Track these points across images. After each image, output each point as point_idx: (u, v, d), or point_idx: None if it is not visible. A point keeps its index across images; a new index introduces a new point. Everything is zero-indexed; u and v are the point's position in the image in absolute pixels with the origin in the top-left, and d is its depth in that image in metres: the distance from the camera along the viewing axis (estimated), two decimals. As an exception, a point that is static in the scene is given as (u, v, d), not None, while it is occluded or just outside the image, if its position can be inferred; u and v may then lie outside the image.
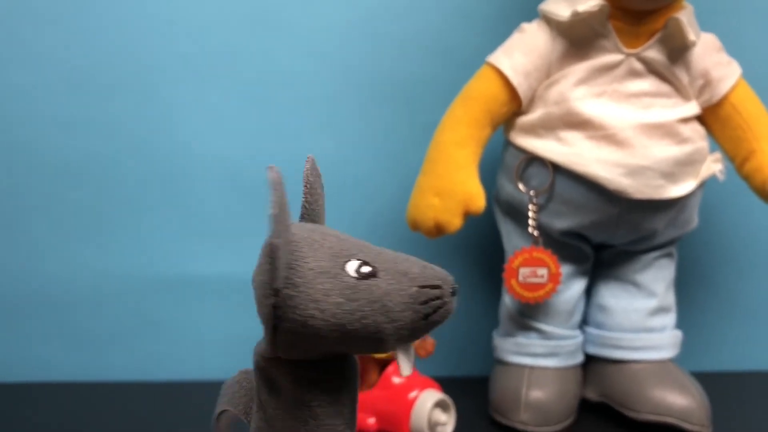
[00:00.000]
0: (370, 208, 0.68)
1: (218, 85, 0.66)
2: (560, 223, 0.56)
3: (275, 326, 0.31)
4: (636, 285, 0.60)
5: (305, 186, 0.35)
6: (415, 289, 0.31)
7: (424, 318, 0.31)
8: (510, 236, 0.60)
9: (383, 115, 0.68)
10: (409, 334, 0.31)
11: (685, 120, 0.55)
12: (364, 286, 0.30)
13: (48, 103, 0.66)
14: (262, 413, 0.34)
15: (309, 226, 0.33)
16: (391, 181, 0.67)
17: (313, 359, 0.32)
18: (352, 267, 0.31)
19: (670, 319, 0.61)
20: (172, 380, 0.68)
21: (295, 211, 0.34)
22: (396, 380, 0.52)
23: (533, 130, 0.55)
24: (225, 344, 0.68)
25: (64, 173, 0.66)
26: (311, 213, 0.35)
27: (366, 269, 0.31)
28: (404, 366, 0.32)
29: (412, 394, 0.52)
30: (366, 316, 0.30)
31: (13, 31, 0.65)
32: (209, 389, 0.65)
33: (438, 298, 0.31)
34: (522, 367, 0.58)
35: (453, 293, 0.32)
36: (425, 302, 0.31)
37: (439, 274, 0.32)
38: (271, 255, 0.29)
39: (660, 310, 0.60)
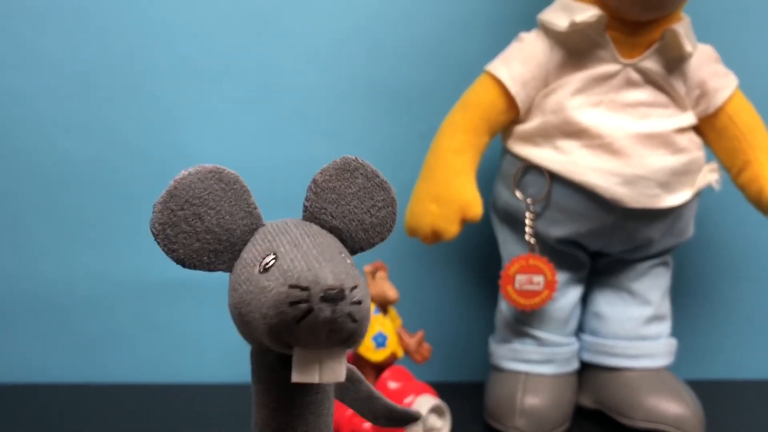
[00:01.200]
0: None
1: (217, 90, 0.67)
2: (556, 231, 0.57)
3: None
4: (631, 293, 0.60)
5: (309, 185, 0.34)
6: (284, 288, 0.29)
7: (296, 322, 0.28)
8: (507, 243, 0.60)
9: (382, 121, 0.68)
10: (287, 337, 0.29)
11: (682, 130, 0.55)
12: (255, 280, 0.30)
13: (47, 106, 0.66)
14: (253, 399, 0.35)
15: (282, 222, 0.33)
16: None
17: (261, 349, 0.33)
18: (265, 260, 0.31)
19: (665, 327, 0.61)
20: (170, 382, 0.68)
21: (296, 212, 0.34)
22: (391, 385, 0.53)
23: (531, 138, 0.56)
24: (223, 346, 0.68)
25: (64, 176, 0.67)
26: (315, 213, 0.34)
27: (270, 263, 0.30)
28: (293, 371, 0.30)
29: (408, 399, 0.52)
30: (252, 311, 0.30)
31: (14, 35, 0.65)
32: (207, 391, 0.66)
33: (304, 301, 0.28)
34: (517, 373, 0.59)
35: (325, 299, 0.28)
36: (293, 304, 0.28)
37: (314, 275, 0.29)
38: (154, 239, 0.32)
39: (655, 318, 0.60)
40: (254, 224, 0.33)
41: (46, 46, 0.65)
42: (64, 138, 0.66)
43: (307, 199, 0.34)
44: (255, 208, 0.33)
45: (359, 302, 0.29)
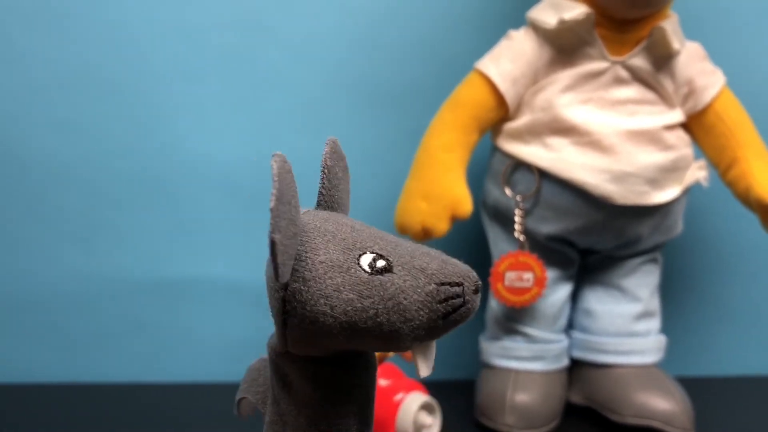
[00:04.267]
0: (358, 211, 0.68)
1: (207, 88, 0.67)
2: (546, 227, 0.57)
3: (285, 321, 0.29)
4: (621, 290, 0.60)
5: (323, 171, 0.33)
6: (433, 286, 0.28)
7: (443, 317, 0.29)
8: (497, 240, 0.60)
9: (372, 118, 0.68)
10: (426, 333, 0.29)
11: (670, 127, 0.56)
12: (377, 282, 0.28)
13: (37, 104, 0.66)
14: (276, 407, 0.32)
15: (323, 214, 0.31)
16: (380, 184, 0.67)
17: (327, 356, 0.31)
18: (365, 261, 0.29)
19: (655, 323, 0.61)
20: (160, 382, 0.68)
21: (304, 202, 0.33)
22: (382, 383, 0.53)
23: (520, 135, 0.56)
24: (214, 345, 0.68)
25: (54, 175, 0.66)
26: (330, 199, 0.33)
27: (381, 264, 0.29)
28: (422, 367, 0.30)
29: (398, 397, 0.52)
30: (379, 314, 0.28)
31: (3, 33, 0.65)
32: (198, 391, 0.65)
33: (458, 296, 0.29)
34: (507, 370, 0.59)
35: (476, 291, 0.29)
36: (444, 301, 0.28)
37: (460, 270, 0.29)
38: (271, 250, 0.26)
39: (645, 314, 0.60)
40: None
41: (35, 45, 0.65)
42: (52, 136, 0.66)
43: (323, 187, 0.33)
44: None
45: None
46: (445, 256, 0.30)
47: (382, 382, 0.53)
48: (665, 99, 0.56)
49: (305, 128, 0.67)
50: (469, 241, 0.68)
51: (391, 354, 0.55)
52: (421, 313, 0.28)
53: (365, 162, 0.68)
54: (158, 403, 0.63)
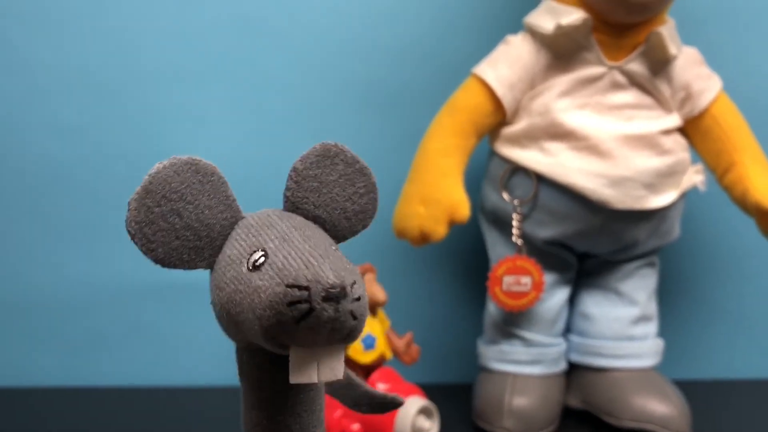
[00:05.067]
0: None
1: (206, 92, 0.67)
2: (544, 232, 0.57)
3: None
4: (618, 294, 0.60)
5: (290, 174, 0.33)
6: (281, 288, 0.27)
7: (296, 322, 0.27)
8: (495, 245, 0.60)
9: (371, 122, 0.68)
10: (283, 337, 0.28)
11: (667, 132, 0.56)
12: (246, 278, 0.29)
13: (37, 109, 0.66)
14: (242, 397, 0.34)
15: (265, 213, 0.32)
16: (378, 187, 0.68)
17: (246, 346, 0.32)
18: (253, 258, 0.29)
19: (652, 327, 0.61)
20: (160, 385, 0.68)
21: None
22: (380, 387, 0.53)
23: (517, 140, 0.56)
24: (210, 349, 0.68)
25: (54, 179, 0.67)
26: (296, 203, 0.33)
27: (259, 261, 0.29)
28: (291, 372, 0.28)
29: (396, 401, 0.52)
30: (244, 310, 0.29)
31: (3, 37, 0.65)
32: (198, 394, 0.66)
33: (305, 301, 0.27)
34: (505, 374, 0.59)
35: (327, 298, 0.27)
36: (292, 304, 0.27)
37: (314, 274, 0.27)
38: (131, 239, 0.30)
39: (642, 318, 0.61)
40: (234, 217, 0.32)
41: (33, 50, 0.65)
42: (51, 141, 0.66)
43: (287, 189, 0.33)
44: (234, 200, 0.32)
45: (359, 298, 0.28)
46: (323, 259, 0.28)
47: (380, 386, 0.53)
48: (662, 104, 0.56)
49: (304, 132, 0.68)
50: (467, 245, 0.68)
51: (389, 357, 0.55)
52: (268, 313, 0.27)
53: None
54: (158, 407, 0.63)
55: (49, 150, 0.66)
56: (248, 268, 0.29)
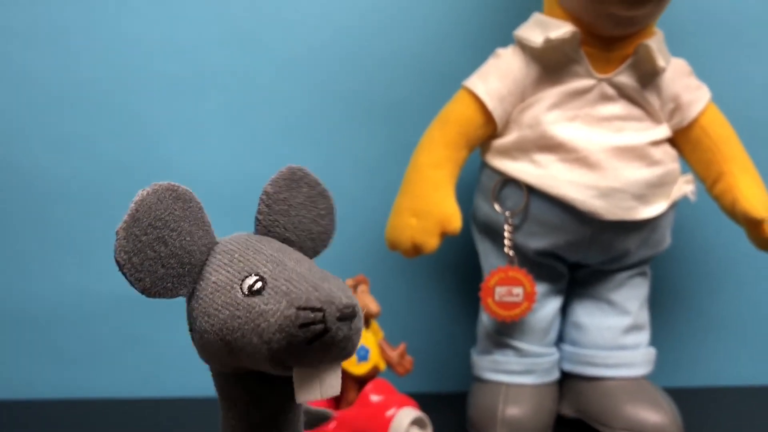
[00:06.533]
0: (349, 226, 0.69)
1: (202, 105, 0.67)
2: (535, 243, 0.57)
3: (192, 335, 0.31)
4: (610, 303, 0.61)
5: (261, 197, 0.34)
6: (292, 310, 0.28)
7: (307, 343, 0.28)
8: (487, 255, 0.61)
9: (362, 134, 0.69)
10: (290, 358, 0.28)
11: (657, 143, 0.56)
12: (245, 304, 0.29)
13: (34, 122, 0.66)
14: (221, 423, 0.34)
15: (244, 237, 0.32)
16: (371, 200, 0.68)
17: (233, 371, 0.32)
18: (247, 283, 0.30)
19: (644, 336, 0.62)
20: (155, 397, 0.68)
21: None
22: (374, 398, 0.53)
23: (508, 152, 0.57)
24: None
25: (50, 192, 0.67)
26: (270, 225, 0.34)
27: (257, 286, 0.29)
28: (297, 392, 0.29)
29: (390, 412, 0.52)
30: (245, 335, 0.29)
31: (0, 52, 0.66)
32: (192, 405, 0.66)
33: (319, 322, 0.28)
34: (499, 384, 0.59)
35: (341, 318, 0.28)
36: (304, 326, 0.28)
37: (326, 295, 0.28)
38: (119, 268, 0.29)
39: (634, 328, 0.61)
40: (210, 242, 0.32)
41: (31, 64, 0.66)
42: (48, 154, 0.67)
43: (260, 212, 0.34)
44: (209, 225, 0.32)
45: (359, 316, 0.29)
46: (324, 281, 0.29)
47: (374, 397, 0.53)
48: (651, 115, 0.57)
49: (298, 144, 0.68)
50: (459, 256, 0.69)
51: (382, 369, 0.55)
52: (279, 336, 0.28)
53: (356, 177, 0.69)
54: (154, 418, 0.63)
55: (45, 162, 0.67)
56: (244, 293, 0.29)
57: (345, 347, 0.28)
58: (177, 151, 0.67)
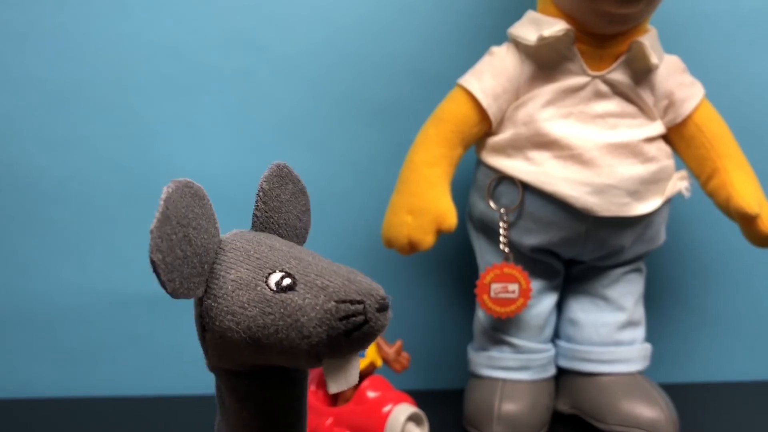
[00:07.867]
0: (345, 226, 0.69)
1: (198, 105, 0.67)
2: (530, 239, 0.58)
3: (203, 335, 0.31)
4: (605, 299, 0.61)
5: (257, 194, 0.34)
6: (332, 304, 0.28)
7: (346, 335, 0.28)
8: (483, 252, 0.61)
9: (359, 133, 0.69)
10: (329, 350, 0.29)
11: (651, 139, 0.56)
12: (278, 300, 0.29)
13: (29, 122, 0.66)
14: (219, 425, 0.34)
15: (249, 235, 0.33)
16: (367, 198, 0.68)
17: (249, 371, 0.31)
18: (273, 279, 0.30)
19: (640, 332, 0.62)
20: (153, 395, 0.68)
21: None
22: (370, 395, 0.53)
23: (503, 149, 0.57)
24: (205, 359, 0.68)
25: (47, 191, 0.67)
26: (266, 222, 0.34)
27: (286, 282, 0.29)
28: (330, 383, 0.30)
29: (386, 408, 0.53)
30: (279, 331, 0.29)
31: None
32: (192, 404, 0.66)
33: (359, 314, 0.28)
34: (495, 380, 0.59)
35: (380, 309, 0.29)
36: (344, 318, 0.28)
37: (363, 288, 0.29)
38: (153, 269, 0.28)
39: (629, 323, 0.61)
40: (219, 240, 0.32)
41: (26, 64, 0.66)
42: (44, 153, 0.67)
43: (257, 209, 0.34)
44: (218, 223, 0.32)
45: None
46: (354, 275, 0.30)
47: (370, 393, 0.54)
48: (645, 112, 0.57)
49: (294, 143, 0.68)
50: (455, 253, 0.69)
51: (379, 365, 0.56)
52: (319, 330, 0.28)
53: (352, 176, 0.69)
54: (153, 416, 0.63)
55: (43, 163, 0.67)
56: (272, 289, 0.29)
57: (375, 336, 0.29)
58: (174, 151, 0.68)
